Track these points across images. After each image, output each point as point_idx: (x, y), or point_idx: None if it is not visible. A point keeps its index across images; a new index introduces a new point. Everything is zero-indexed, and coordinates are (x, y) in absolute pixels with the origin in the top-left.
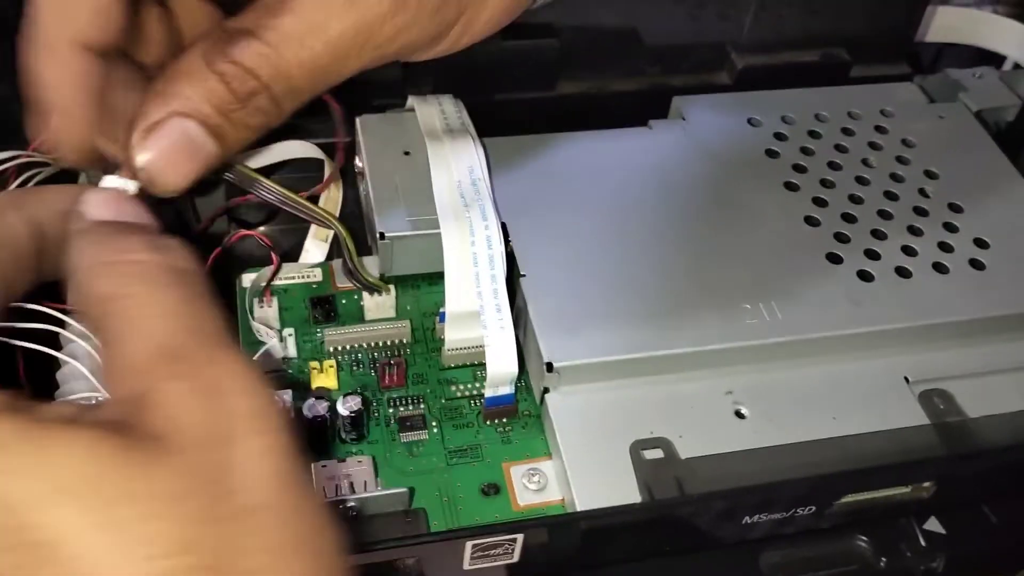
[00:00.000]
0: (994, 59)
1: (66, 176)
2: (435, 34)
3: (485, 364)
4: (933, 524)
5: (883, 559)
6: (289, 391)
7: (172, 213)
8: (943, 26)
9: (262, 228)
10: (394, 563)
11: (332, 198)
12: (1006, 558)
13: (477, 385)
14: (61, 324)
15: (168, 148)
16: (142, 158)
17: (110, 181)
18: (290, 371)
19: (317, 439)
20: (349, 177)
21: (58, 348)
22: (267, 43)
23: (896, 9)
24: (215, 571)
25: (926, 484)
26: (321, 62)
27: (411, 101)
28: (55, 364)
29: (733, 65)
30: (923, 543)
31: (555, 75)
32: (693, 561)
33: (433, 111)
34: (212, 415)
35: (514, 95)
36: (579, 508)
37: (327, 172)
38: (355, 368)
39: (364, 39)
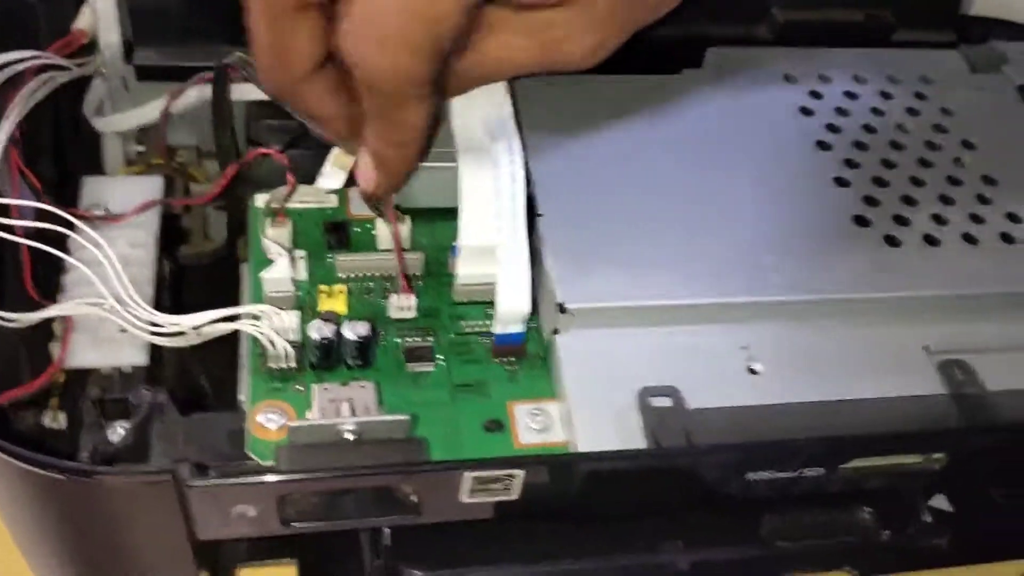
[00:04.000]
0: None
1: (85, 82)
2: None
3: None
4: (941, 502)
5: (886, 532)
6: (297, 312)
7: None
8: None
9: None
10: (392, 492)
11: None
12: (1012, 542)
13: (488, 322)
14: (71, 227)
15: None
16: None
17: None
18: (299, 293)
19: (322, 362)
20: None
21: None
22: None
23: None
24: None
25: (937, 456)
26: None
27: None
28: (63, 267)
29: (774, 19)
30: (929, 519)
31: None
32: (694, 519)
33: None
34: None
35: None
36: (581, 451)
37: None
38: (365, 296)
39: None
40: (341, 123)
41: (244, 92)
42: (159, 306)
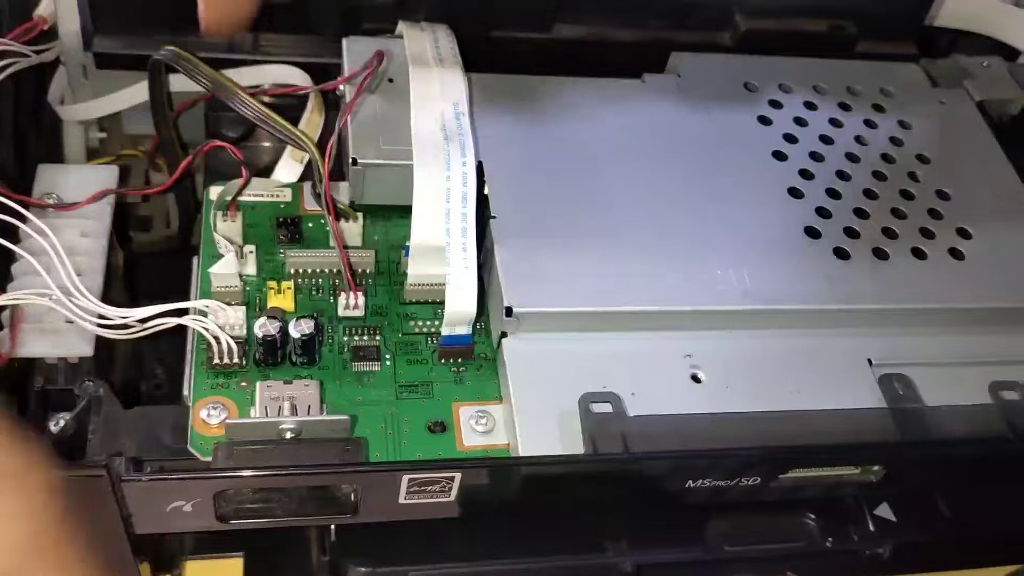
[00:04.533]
0: (1013, 53)
1: (47, 69)
2: None
3: None
4: (884, 511)
5: (830, 539)
6: (243, 308)
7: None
8: (957, 12)
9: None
10: (330, 491)
11: (312, 122)
12: (953, 552)
13: (436, 323)
14: (22, 218)
15: None
16: None
17: None
18: (247, 288)
19: (267, 358)
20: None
21: (16, 241)
22: None
23: None
24: None
25: (875, 467)
26: None
27: (401, 27)
28: (12, 257)
29: (737, 27)
30: (872, 528)
31: (553, 17)
32: (638, 521)
33: (425, 39)
34: None
35: (509, 33)
36: (522, 454)
37: (311, 96)
38: (314, 293)
39: None
40: None
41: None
42: (110, 296)
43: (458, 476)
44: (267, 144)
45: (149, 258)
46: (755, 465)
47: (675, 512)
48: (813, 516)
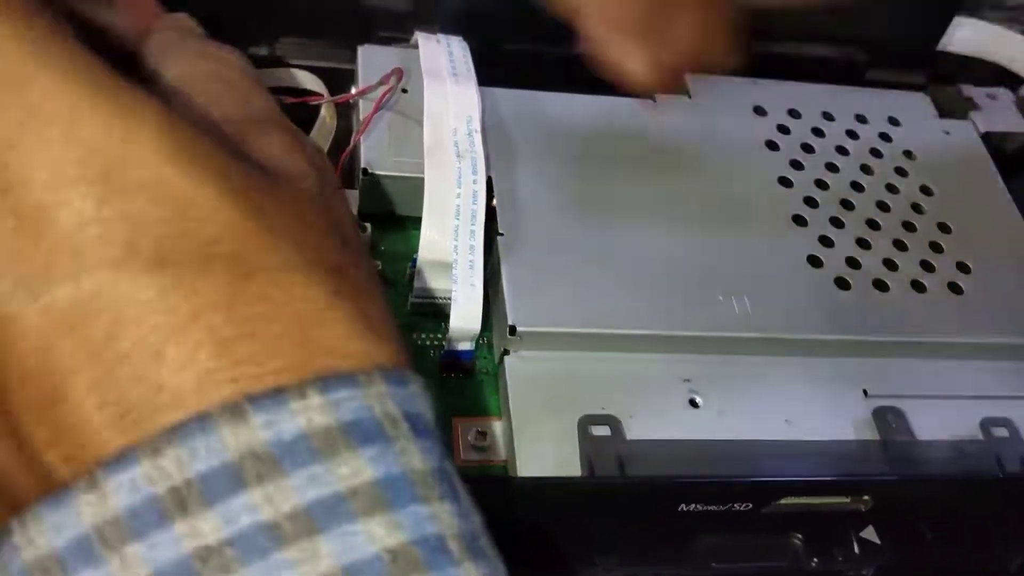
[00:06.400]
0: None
1: None
2: None
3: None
4: (869, 533)
5: (815, 559)
6: None
7: None
8: (967, 39)
9: None
10: None
11: (324, 129)
12: None
13: (440, 336)
14: None
15: None
16: None
17: None
18: None
19: None
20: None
21: None
22: None
23: (921, 16)
24: None
25: (865, 497)
26: None
27: (416, 37)
28: None
29: (749, 51)
30: (857, 551)
31: (570, 33)
32: (627, 535)
33: (440, 51)
34: None
35: (523, 47)
36: (520, 473)
37: (324, 104)
38: None
39: None
40: None
41: None
42: None
43: None
44: None
45: None
46: (750, 493)
47: (664, 528)
48: (800, 536)
